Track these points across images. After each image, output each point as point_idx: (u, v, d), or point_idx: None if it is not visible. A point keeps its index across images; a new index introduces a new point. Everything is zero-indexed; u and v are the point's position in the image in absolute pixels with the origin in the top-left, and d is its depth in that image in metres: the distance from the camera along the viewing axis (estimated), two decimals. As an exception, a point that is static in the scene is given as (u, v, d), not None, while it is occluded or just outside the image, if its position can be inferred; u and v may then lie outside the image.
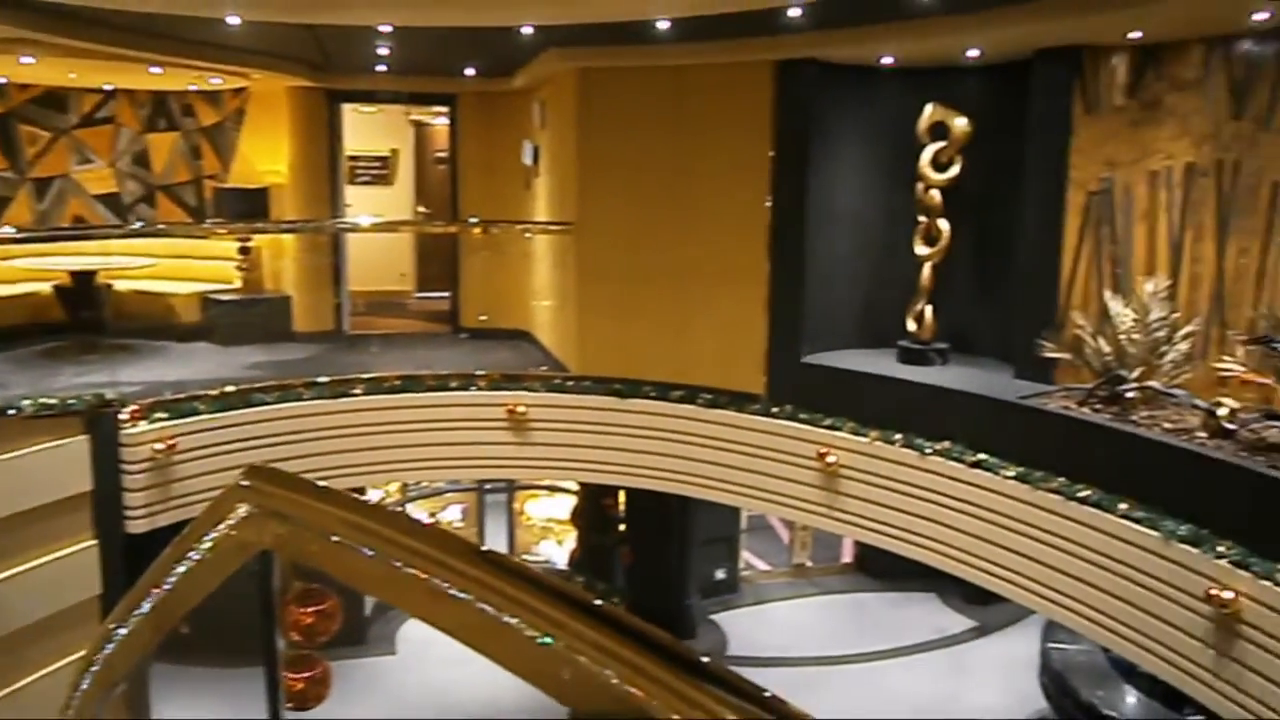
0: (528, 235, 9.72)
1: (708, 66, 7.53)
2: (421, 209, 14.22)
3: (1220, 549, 4.77)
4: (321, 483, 1.98)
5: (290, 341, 9.78)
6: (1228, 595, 4.62)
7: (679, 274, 7.81)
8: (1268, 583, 4.52)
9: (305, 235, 10.11)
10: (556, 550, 12.53)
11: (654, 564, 11.15)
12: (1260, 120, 5.68)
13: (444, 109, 11.24)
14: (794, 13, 6.23)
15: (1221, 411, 5.24)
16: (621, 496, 10.84)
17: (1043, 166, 6.57)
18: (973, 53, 6.89)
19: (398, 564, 1.72)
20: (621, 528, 10.95)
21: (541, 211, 9.56)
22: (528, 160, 9.96)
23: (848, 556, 13.41)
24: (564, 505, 11.78)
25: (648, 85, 7.78)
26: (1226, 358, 5.61)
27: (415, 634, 10.62)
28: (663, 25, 6.73)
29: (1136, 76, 6.25)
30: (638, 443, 7.77)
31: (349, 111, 11.11)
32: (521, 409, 7.72)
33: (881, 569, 12.57)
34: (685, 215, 7.78)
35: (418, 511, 12.25)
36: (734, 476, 7.48)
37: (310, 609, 2.25)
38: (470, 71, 10.00)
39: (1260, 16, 5.37)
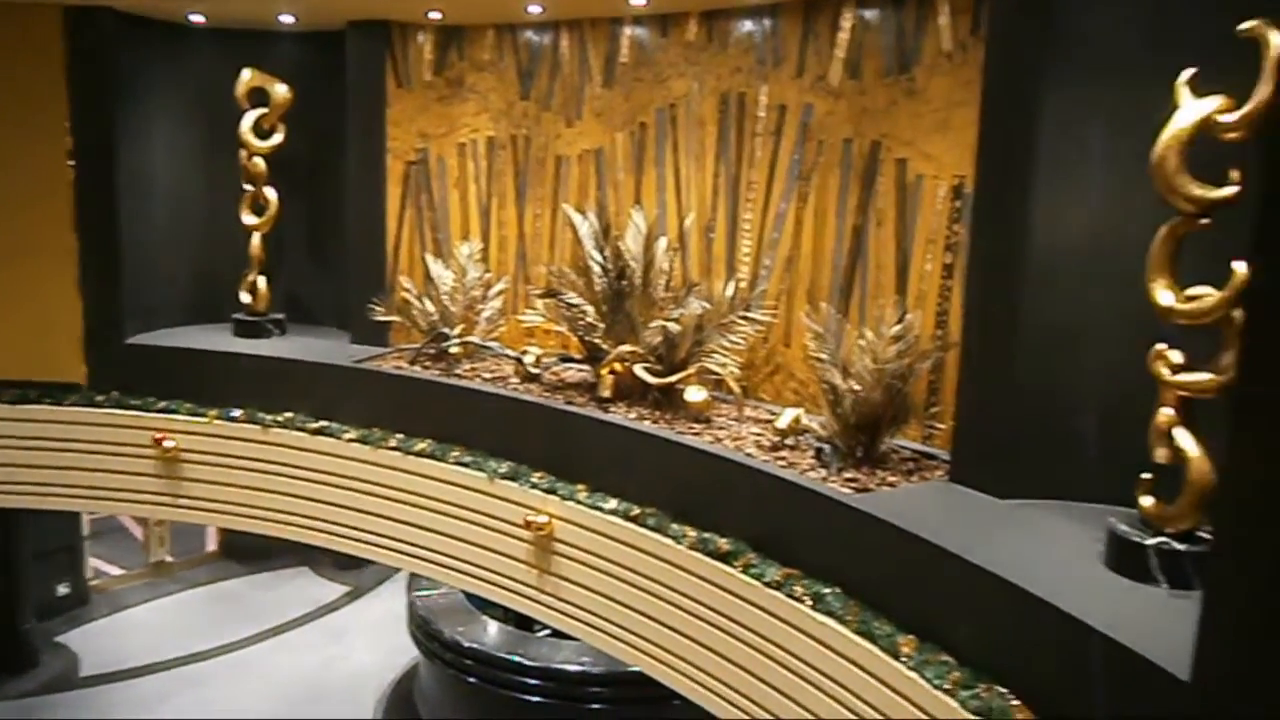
0: None
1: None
2: None
3: (534, 480, 5.41)
4: None
5: None
6: (542, 520, 5.24)
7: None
8: (571, 503, 5.22)
9: None
10: None
11: (-28, 593, 9.62)
12: (543, 101, 6.44)
13: None
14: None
15: (528, 359, 5.92)
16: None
17: (364, 137, 6.76)
18: (286, 19, 6.81)
19: None
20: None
21: None
22: None
23: (212, 545, 12.82)
24: None
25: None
26: (530, 310, 6.32)
27: None
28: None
29: (442, 55, 6.69)
30: (-79, 453, 6.57)
31: None
32: None
33: (249, 551, 12.28)
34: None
35: None
36: (58, 478, 6.66)
37: None
38: None
39: (534, 10, 6.06)
